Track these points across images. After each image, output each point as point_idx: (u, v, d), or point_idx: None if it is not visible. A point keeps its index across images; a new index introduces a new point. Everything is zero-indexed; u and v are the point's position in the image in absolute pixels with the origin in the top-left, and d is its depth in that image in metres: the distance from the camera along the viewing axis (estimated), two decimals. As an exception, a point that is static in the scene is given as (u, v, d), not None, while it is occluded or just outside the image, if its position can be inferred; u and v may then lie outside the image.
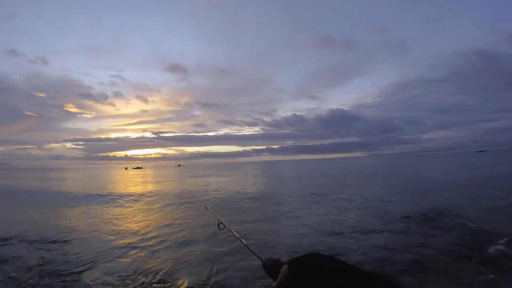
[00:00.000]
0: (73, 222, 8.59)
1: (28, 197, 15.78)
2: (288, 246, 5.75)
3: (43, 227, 7.78)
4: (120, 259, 5.17)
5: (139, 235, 6.87)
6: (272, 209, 9.88)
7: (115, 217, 9.44)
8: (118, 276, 4.38)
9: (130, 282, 4.19)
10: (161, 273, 4.47)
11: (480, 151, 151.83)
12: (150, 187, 21.06)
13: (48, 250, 5.77)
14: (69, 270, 4.65)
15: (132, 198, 14.47)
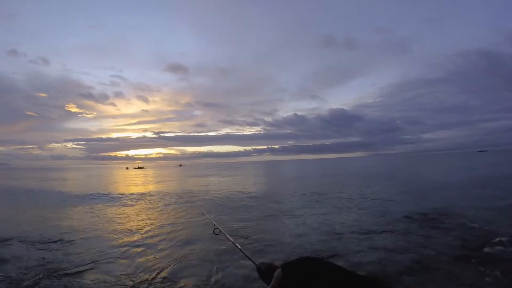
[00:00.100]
0: (74, 222, 8.61)
1: (29, 196, 15.80)
2: (288, 245, 5.74)
3: (44, 227, 7.79)
4: (121, 259, 5.17)
5: (140, 234, 6.89)
6: (272, 208, 9.89)
7: (116, 216, 9.45)
8: (119, 276, 4.39)
9: (131, 282, 4.20)
10: (162, 273, 4.47)
11: (481, 151, 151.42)
12: (151, 187, 21.07)
13: (50, 250, 5.77)
14: (70, 270, 4.66)
15: (134, 197, 14.49)
